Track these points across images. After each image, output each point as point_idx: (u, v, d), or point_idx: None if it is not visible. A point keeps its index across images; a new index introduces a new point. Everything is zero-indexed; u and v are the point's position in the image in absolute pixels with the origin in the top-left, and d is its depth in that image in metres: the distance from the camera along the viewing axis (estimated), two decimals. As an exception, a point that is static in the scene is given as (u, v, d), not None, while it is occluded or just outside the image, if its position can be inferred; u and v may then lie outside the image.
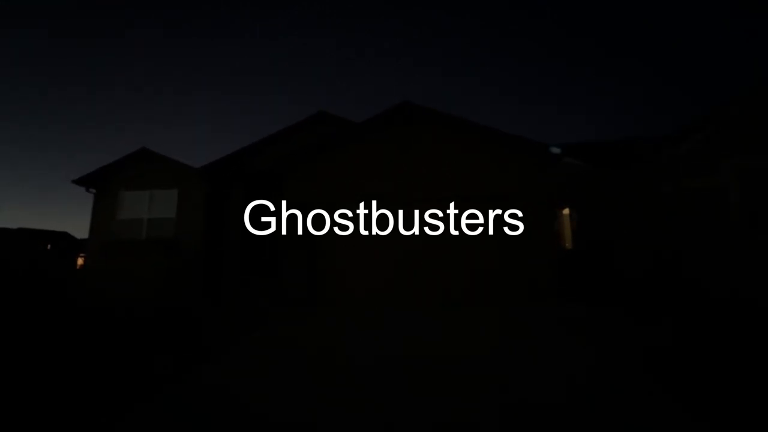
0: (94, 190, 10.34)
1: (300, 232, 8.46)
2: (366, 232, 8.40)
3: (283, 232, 8.60)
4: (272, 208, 10.28)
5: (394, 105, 8.66)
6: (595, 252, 9.98)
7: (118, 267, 9.82)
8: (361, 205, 8.48)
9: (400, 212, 8.32)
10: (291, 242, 8.47)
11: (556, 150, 7.78)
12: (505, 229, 7.82)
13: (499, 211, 7.95)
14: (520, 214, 7.77)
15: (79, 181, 10.16)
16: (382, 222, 8.37)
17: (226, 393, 3.33)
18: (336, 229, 8.52)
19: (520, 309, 6.78)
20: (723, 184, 7.29)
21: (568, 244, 11.83)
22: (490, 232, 7.90)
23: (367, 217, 8.46)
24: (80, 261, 31.17)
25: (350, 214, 8.54)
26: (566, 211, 12.17)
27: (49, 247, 32.87)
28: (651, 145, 8.36)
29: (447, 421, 2.71)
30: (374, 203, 8.42)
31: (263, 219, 10.60)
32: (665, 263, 7.57)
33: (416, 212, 8.25)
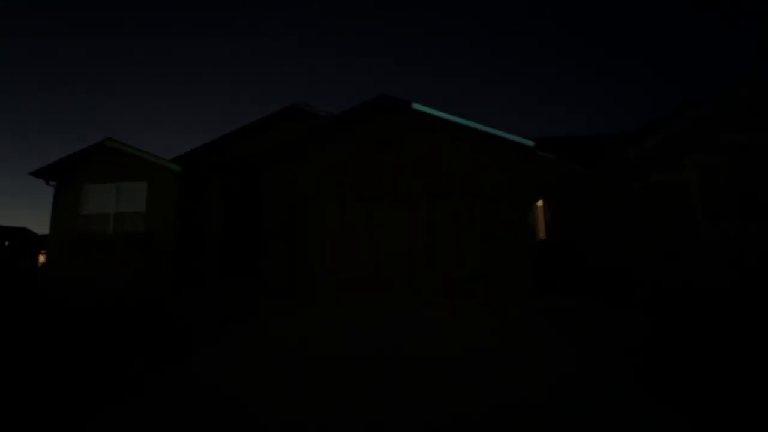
0: (54, 183, 9.74)
1: (279, 225, 8.33)
2: (346, 226, 8.36)
3: (262, 225, 8.43)
4: (250, 200, 10.02)
5: (371, 98, 8.61)
6: (567, 244, 10.33)
7: (83, 264, 9.33)
8: (340, 198, 8.43)
9: (381, 207, 8.33)
10: (270, 236, 8.32)
11: (529, 143, 7.95)
12: (483, 220, 7.97)
13: (478, 205, 8.08)
14: (500, 207, 7.92)
15: (37, 173, 9.54)
16: (363, 215, 8.35)
17: (196, 391, 3.24)
18: (317, 223, 8.44)
19: (499, 300, 6.94)
20: (684, 180, 7.70)
21: (542, 235, 12.19)
22: (471, 224, 8.03)
23: (349, 210, 8.42)
24: (42, 258, 29.48)
25: (328, 207, 8.47)
26: (540, 203, 12.51)
27: (6, 244, 30.91)
28: (617, 142, 8.69)
29: (425, 416, 2.73)
30: (354, 196, 8.38)
31: (241, 212, 10.33)
32: (630, 256, 7.93)
33: (395, 207, 8.28)
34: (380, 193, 8.28)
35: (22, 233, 32.27)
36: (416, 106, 8.42)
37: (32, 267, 26.37)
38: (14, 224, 32.55)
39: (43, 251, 28.08)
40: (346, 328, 5.34)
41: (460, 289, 7.69)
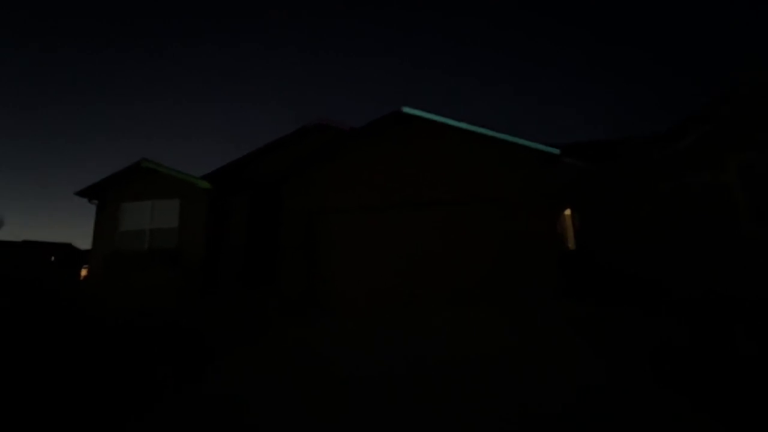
0: (96, 202, 10.41)
1: (300, 237, 8.51)
2: (365, 237, 8.43)
3: (285, 238, 8.64)
4: (273, 215, 10.31)
5: (388, 113, 8.72)
6: (596, 251, 9.95)
7: (121, 278, 9.85)
8: (361, 210, 8.52)
9: (401, 217, 8.34)
10: (292, 248, 8.50)
11: (554, 151, 7.79)
12: (507, 230, 7.82)
13: (500, 213, 7.95)
14: (521, 215, 7.77)
15: (81, 193, 10.23)
16: (382, 227, 8.40)
17: (224, 403, 3.34)
18: (336, 235, 8.56)
19: (523, 309, 6.75)
20: (723, 179, 7.25)
21: (571, 245, 11.80)
22: (492, 234, 7.90)
23: (367, 223, 8.49)
24: (84, 272, 31.23)
25: (350, 219, 8.58)
26: (568, 212, 12.16)
27: (53, 258, 33.00)
28: (645, 143, 8.35)
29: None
30: (373, 208, 8.45)
31: (263, 226, 10.63)
32: (662, 262, 7.53)
33: (416, 217, 8.27)
34: (397, 204, 8.30)
35: (67, 249, 34.38)
36: (434, 117, 8.46)
37: (75, 280, 27.99)
38: (59, 240, 34.71)
39: (85, 266, 29.79)
40: (362, 340, 5.34)
41: (481, 297, 7.53)
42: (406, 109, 8.67)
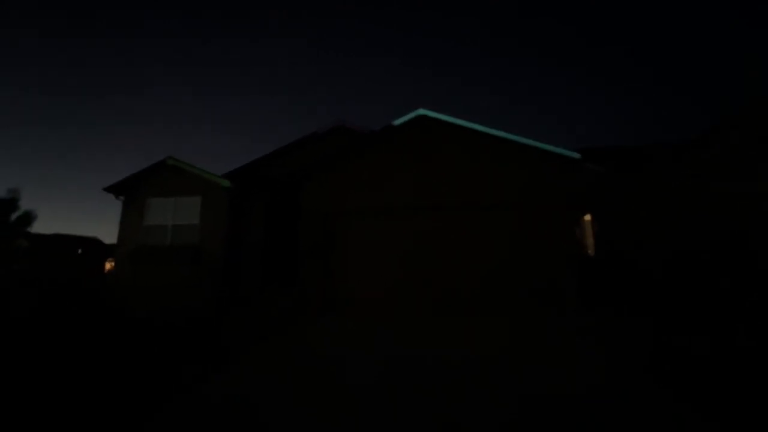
0: (122, 197, 10.82)
1: (318, 239, 8.61)
2: (383, 239, 8.46)
3: (302, 239, 8.76)
4: (291, 215, 10.48)
5: (409, 116, 8.75)
6: (616, 259, 9.70)
7: (144, 272, 10.19)
8: (378, 213, 8.56)
9: (418, 220, 8.35)
10: (310, 249, 8.61)
11: (575, 155, 7.66)
12: (526, 235, 7.73)
13: (519, 218, 7.87)
14: (540, 220, 7.66)
15: (109, 189, 10.66)
16: (400, 229, 8.42)
17: (239, 401, 3.43)
18: (353, 237, 8.63)
19: (541, 317, 6.65)
20: (761, 190, 6.92)
21: (591, 251, 11.55)
22: (510, 239, 7.83)
23: (385, 226, 8.52)
24: (108, 265, 32.41)
25: (368, 222, 8.63)
26: (588, 217, 11.90)
27: (80, 251, 34.36)
28: (670, 151, 8.11)
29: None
30: (391, 210, 8.48)
31: (282, 225, 10.82)
32: (690, 271, 7.29)
33: (434, 220, 8.26)
34: (414, 207, 8.31)
35: (93, 242, 35.72)
36: (452, 119, 8.45)
37: (100, 273, 29.05)
38: (86, 234, 36.09)
39: (110, 259, 30.88)
40: (371, 345, 5.37)
41: (498, 304, 7.46)
42: (425, 112, 8.69)
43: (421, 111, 8.72)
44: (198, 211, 10.52)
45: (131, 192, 10.81)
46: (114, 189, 10.74)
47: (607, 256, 10.28)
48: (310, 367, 4.25)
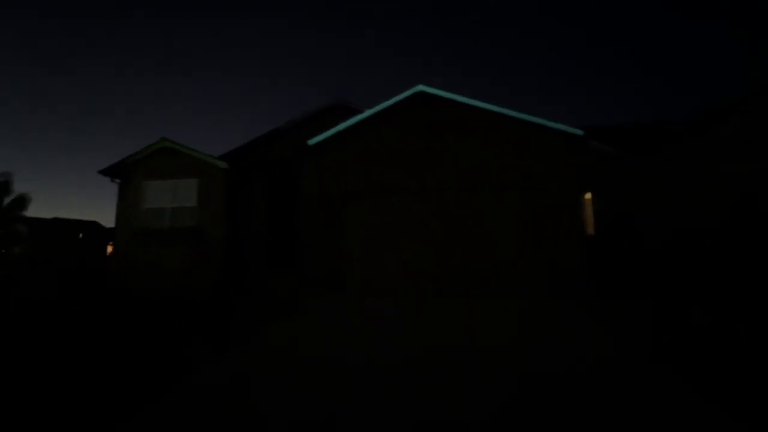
0: (118, 181, 10.67)
1: (319, 220, 8.52)
2: (385, 219, 8.38)
3: (303, 220, 8.68)
4: (290, 195, 10.36)
5: (407, 93, 8.51)
6: (620, 238, 9.65)
7: (144, 256, 10.17)
8: (380, 193, 8.44)
9: (421, 199, 8.24)
10: (310, 230, 8.54)
11: (578, 132, 7.49)
12: (529, 215, 7.64)
13: (523, 198, 7.76)
14: (545, 200, 7.56)
15: (104, 172, 10.50)
16: (402, 209, 8.32)
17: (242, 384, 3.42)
18: (355, 217, 8.54)
19: (546, 297, 6.63)
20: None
21: (590, 230, 11.49)
22: (515, 219, 7.74)
23: (387, 205, 8.42)
24: (109, 249, 32.47)
25: (369, 202, 8.52)
26: (588, 196, 11.78)
27: (81, 236, 34.36)
28: (678, 130, 7.92)
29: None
30: (393, 190, 8.36)
31: (282, 206, 10.72)
32: (703, 249, 7.22)
33: (437, 199, 8.15)
34: (415, 186, 8.19)
35: (94, 226, 35.64)
36: (454, 96, 8.22)
37: (102, 256, 29.16)
38: (85, 218, 35.99)
39: (110, 242, 30.91)
40: (377, 326, 5.37)
41: (500, 283, 7.45)
42: (423, 88, 8.45)
43: (420, 87, 8.48)
44: (195, 194, 10.40)
45: (127, 175, 10.65)
46: (109, 172, 10.58)
47: (610, 236, 10.23)
48: (312, 352, 4.25)
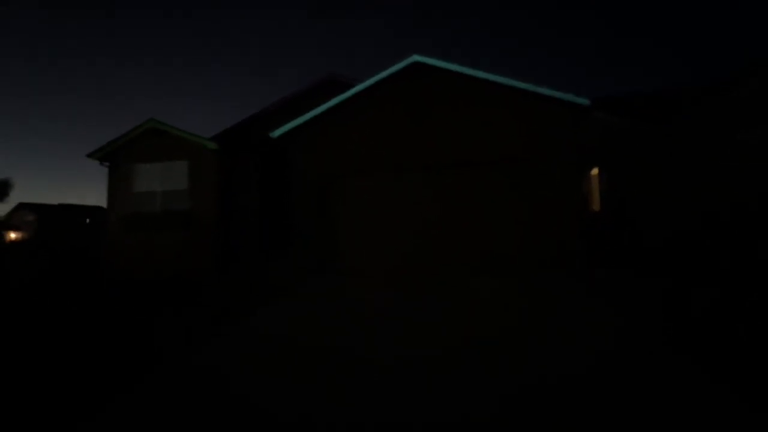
0: (108, 164, 10.41)
1: (311, 200, 8.26)
2: (380, 198, 8.08)
3: (295, 201, 8.42)
4: (284, 176, 10.03)
5: (402, 64, 8.00)
6: (625, 214, 9.22)
7: (136, 239, 10.02)
8: (373, 171, 8.12)
9: (416, 176, 7.90)
10: (303, 211, 8.29)
11: (584, 102, 6.96)
12: (531, 191, 7.26)
13: (524, 173, 7.36)
14: (546, 175, 7.16)
15: (92, 155, 10.22)
16: (397, 187, 7.99)
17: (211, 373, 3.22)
18: (348, 196, 8.25)
19: (546, 276, 6.31)
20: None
21: (596, 206, 11.05)
22: (514, 196, 7.38)
23: (382, 183, 8.10)
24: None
25: (363, 181, 8.21)
26: (595, 171, 11.28)
27: (87, 221, 34.69)
28: (705, 89, 7.29)
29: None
30: (389, 167, 8.02)
31: (275, 186, 10.42)
32: (720, 223, 6.80)
33: (433, 176, 7.79)
34: (411, 163, 7.85)
35: (99, 211, 35.88)
36: (452, 66, 7.69)
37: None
38: (89, 203, 36.19)
39: (115, 227, 31.09)
40: (369, 311, 5.14)
41: (499, 263, 7.15)
42: (419, 58, 7.93)
43: (416, 57, 7.97)
44: (186, 176, 10.12)
45: (116, 158, 10.37)
46: (97, 155, 10.30)
47: (615, 213, 9.79)
48: (302, 335, 4.03)
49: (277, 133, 8.53)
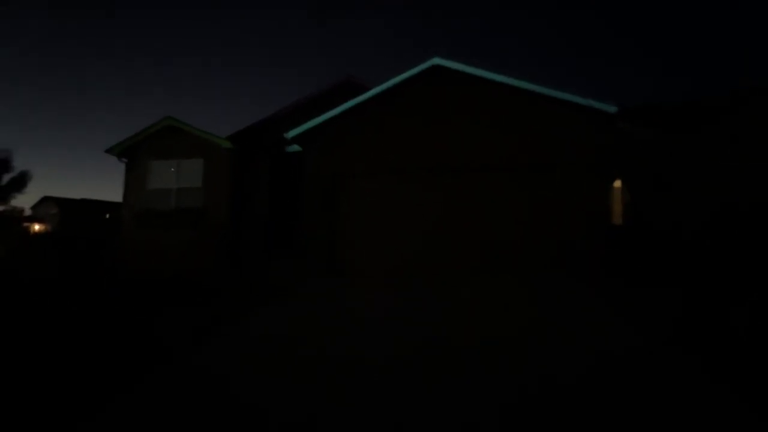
0: (125, 160, 10.57)
1: (322, 201, 8.20)
2: (390, 202, 7.93)
3: (306, 202, 8.36)
4: (296, 177, 9.98)
5: (422, 66, 7.87)
6: (647, 230, 8.78)
7: (149, 235, 10.10)
8: (386, 174, 7.99)
9: (429, 182, 7.73)
10: (314, 211, 8.23)
11: (610, 109, 6.66)
12: (549, 199, 6.99)
13: (542, 181, 7.10)
14: (566, 183, 6.89)
15: (110, 150, 10.40)
16: (411, 191, 7.83)
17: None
18: (358, 200, 8.14)
19: (561, 286, 6.01)
20: None
21: (618, 221, 10.60)
22: (533, 203, 7.13)
23: (392, 188, 7.97)
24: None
25: (374, 184, 8.10)
26: (618, 184, 10.85)
27: (107, 216, 35.62)
28: (736, 94, 6.90)
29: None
30: (399, 173, 7.89)
31: (286, 186, 10.39)
32: (741, 246, 6.38)
33: (448, 180, 7.61)
34: (426, 168, 7.68)
35: (118, 207, 36.73)
36: (474, 70, 7.51)
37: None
38: (108, 199, 37.16)
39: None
40: (374, 312, 4.94)
41: (513, 269, 6.86)
42: (440, 61, 7.80)
43: (436, 60, 7.83)
44: (201, 174, 10.19)
45: (133, 154, 10.53)
46: (116, 150, 10.47)
47: (637, 226, 9.34)
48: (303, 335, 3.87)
49: (292, 133, 8.50)
